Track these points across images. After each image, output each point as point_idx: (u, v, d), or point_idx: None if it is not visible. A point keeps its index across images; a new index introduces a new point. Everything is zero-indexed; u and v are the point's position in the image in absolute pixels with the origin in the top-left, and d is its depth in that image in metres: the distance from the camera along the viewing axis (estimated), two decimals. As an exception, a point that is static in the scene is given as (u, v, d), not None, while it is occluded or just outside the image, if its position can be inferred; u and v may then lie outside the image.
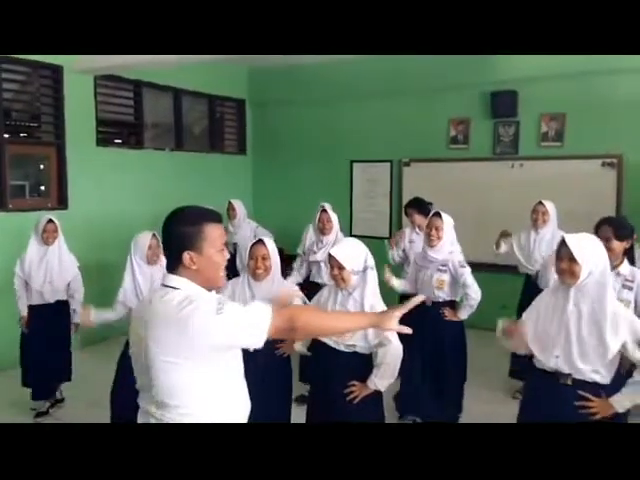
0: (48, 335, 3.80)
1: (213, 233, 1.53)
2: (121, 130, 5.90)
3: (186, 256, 1.49)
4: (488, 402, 3.99)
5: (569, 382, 2.09)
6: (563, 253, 2.05)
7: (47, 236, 3.77)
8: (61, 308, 3.88)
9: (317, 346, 2.58)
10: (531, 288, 3.96)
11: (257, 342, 1.46)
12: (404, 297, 4.08)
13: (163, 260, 3.24)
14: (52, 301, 3.85)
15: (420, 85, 5.92)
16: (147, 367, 1.46)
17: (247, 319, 1.44)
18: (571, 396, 2.08)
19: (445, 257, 3.42)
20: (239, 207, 5.52)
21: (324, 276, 3.98)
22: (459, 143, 5.89)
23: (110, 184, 5.46)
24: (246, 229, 5.45)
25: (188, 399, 1.47)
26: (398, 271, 4.32)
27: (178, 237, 1.50)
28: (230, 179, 6.81)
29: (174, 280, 1.51)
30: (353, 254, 2.43)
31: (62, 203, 5.11)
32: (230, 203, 5.50)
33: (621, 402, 2.08)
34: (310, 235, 4.40)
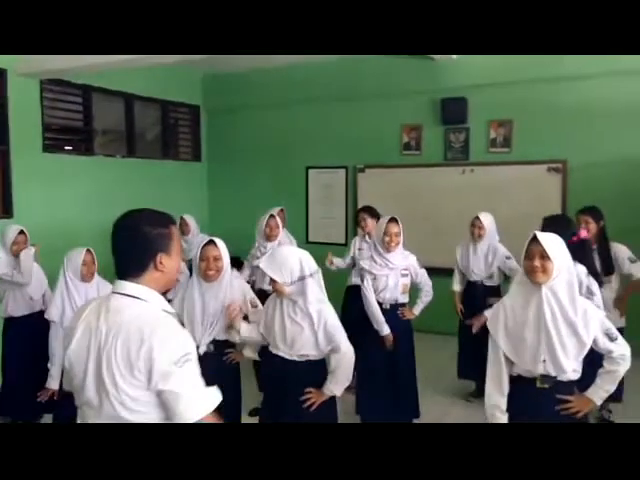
0: (35, 350, 3.45)
1: (177, 235, 1.52)
2: (69, 136, 5.73)
3: (159, 258, 1.45)
4: (440, 404, 4.07)
5: (546, 385, 2.07)
6: (534, 251, 2.02)
7: (17, 248, 3.59)
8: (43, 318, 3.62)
9: (268, 355, 2.54)
10: (470, 292, 4.19)
11: (189, 418, 1.36)
12: (351, 288, 4.31)
13: (96, 277, 3.17)
14: (38, 309, 3.66)
15: (373, 91, 6.01)
16: (102, 380, 1.37)
17: (198, 391, 1.38)
18: (550, 400, 2.08)
19: (405, 262, 3.53)
20: (192, 222, 5.35)
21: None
22: (412, 149, 6.00)
23: (58, 192, 5.29)
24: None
25: (145, 415, 1.39)
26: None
27: (152, 238, 1.45)
28: (185, 186, 6.72)
29: (136, 289, 1.44)
30: (282, 266, 2.36)
31: (7, 212, 4.91)
32: (182, 219, 5.29)
33: (597, 393, 2.12)
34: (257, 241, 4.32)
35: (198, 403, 1.38)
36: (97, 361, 1.40)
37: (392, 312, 3.52)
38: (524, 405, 2.09)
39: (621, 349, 2.11)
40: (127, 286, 1.45)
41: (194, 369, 1.40)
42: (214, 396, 1.41)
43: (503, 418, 2.10)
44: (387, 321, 3.47)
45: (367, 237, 4.39)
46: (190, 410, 1.37)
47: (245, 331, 2.61)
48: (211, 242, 2.68)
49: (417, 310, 3.63)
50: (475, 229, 4.09)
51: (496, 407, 2.12)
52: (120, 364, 1.36)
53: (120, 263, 1.48)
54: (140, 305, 1.42)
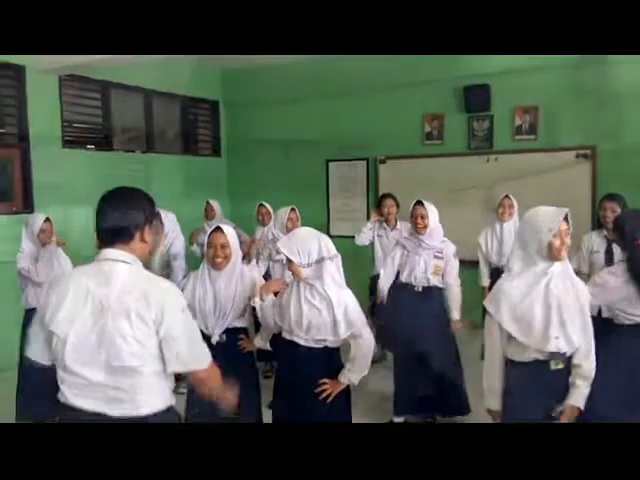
0: None
1: (157, 220, 1.71)
2: (89, 132, 5.76)
3: (146, 229, 1.60)
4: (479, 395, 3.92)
5: (561, 365, 2.05)
6: (563, 230, 2.01)
7: (45, 236, 3.51)
8: None
9: (282, 343, 2.44)
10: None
11: (186, 364, 1.58)
12: (376, 277, 4.14)
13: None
14: None
15: (393, 79, 5.87)
16: (107, 336, 1.49)
17: (197, 341, 1.61)
18: (564, 382, 2.08)
19: (441, 244, 3.49)
20: (217, 207, 5.42)
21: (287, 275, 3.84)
22: (434, 139, 5.85)
23: (78, 187, 5.30)
24: (225, 229, 5.35)
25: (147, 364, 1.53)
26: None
27: (143, 210, 1.60)
28: (205, 181, 6.68)
29: (126, 256, 1.56)
30: (300, 246, 2.26)
31: (27, 207, 4.95)
32: (208, 203, 5.40)
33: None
34: (270, 234, 4.32)
35: (196, 352, 1.59)
36: (101, 320, 1.49)
37: (424, 296, 3.46)
38: (539, 388, 2.06)
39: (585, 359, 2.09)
40: (117, 253, 1.56)
41: (192, 318, 1.63)
42: (207, 354, 1.63)
43: (495, 403, 2.15)
44: (418, 306, 3.41)
45: (386, 224, 4.33)
46: (190, 356, 1.56)
47: (269, 301, 2.49)
48: (218, 229, 2.60)
49: (456, 315, 3.50)
50: (506, 208, 4.17)
51: (490, 389, 2.16)
52: (130, 316, 1.48)
53: (108, 231, 1.57)
54: (133, 267, 1.56)
